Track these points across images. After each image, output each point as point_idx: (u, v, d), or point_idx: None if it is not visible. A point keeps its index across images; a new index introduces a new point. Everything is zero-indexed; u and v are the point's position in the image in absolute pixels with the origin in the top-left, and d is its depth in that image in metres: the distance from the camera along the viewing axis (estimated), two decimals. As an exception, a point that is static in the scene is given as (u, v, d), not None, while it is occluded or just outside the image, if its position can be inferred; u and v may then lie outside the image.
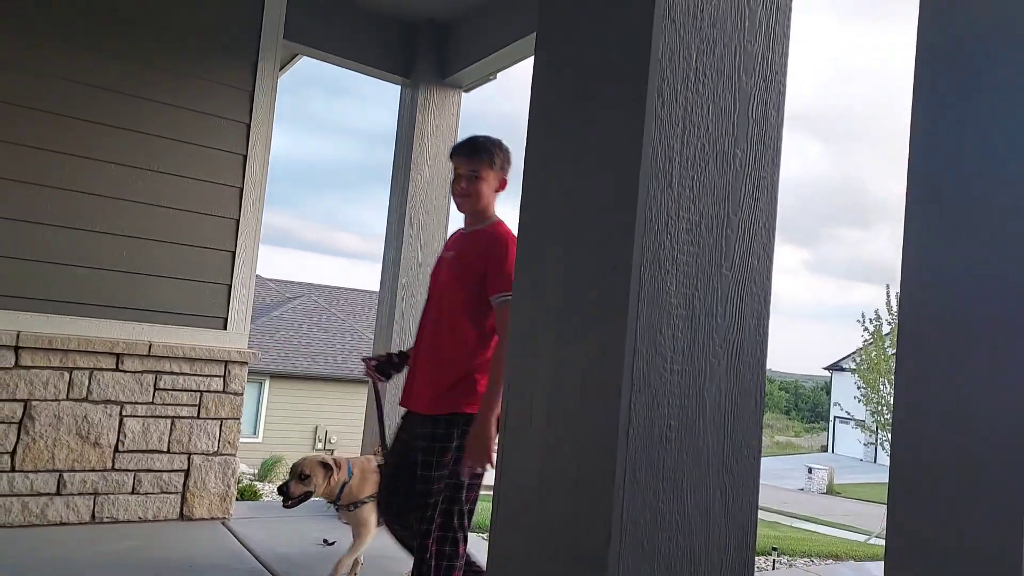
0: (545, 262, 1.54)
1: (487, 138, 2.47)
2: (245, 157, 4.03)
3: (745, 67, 1.46)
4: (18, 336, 3.44)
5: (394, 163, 4.96)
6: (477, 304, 2.34)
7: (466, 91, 5.05)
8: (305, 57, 4.90)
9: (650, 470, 1.28)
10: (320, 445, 17.01)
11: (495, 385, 2.24)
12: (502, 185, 2.48)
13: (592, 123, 1.49)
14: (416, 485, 2.31)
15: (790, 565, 9.04)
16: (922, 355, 1.25)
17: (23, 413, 3.47)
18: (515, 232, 2.38)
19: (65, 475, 3.55)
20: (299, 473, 2.89)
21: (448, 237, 2.59)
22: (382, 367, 2.73)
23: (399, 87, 4.98)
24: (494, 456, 2.22)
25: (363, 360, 2.83)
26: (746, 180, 1.45)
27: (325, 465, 2.92)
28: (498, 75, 4.90)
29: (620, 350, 1.27)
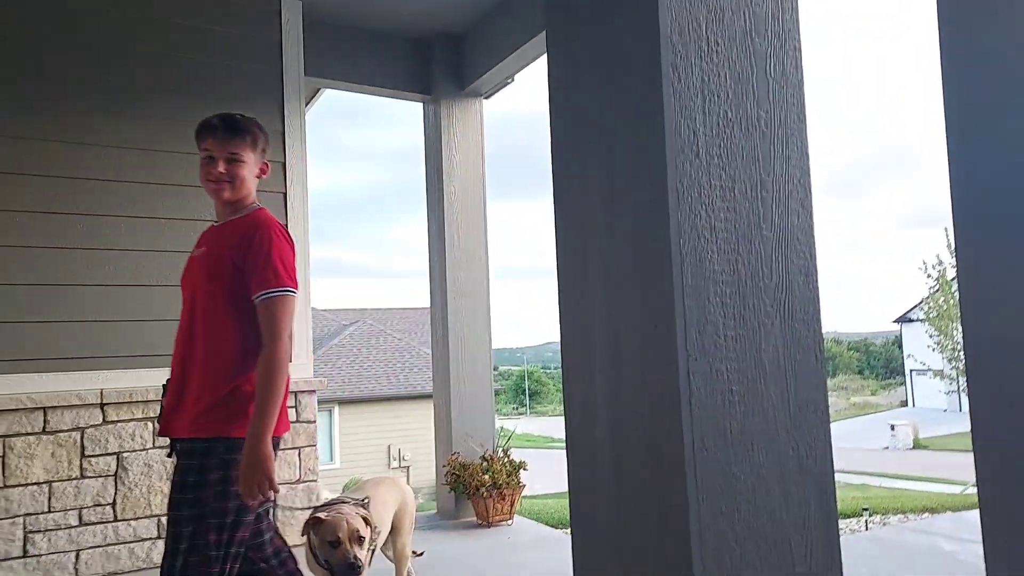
0: (588, 250, 1.57)
1: (244, 116, 2.15)
2: (285, 194, 4.17)
3: (757, 30, 1.47)
4: (102, 394, 3.64)
5: (426, 179, 5.05)
6: (238, 304, 1.96)
7: (487, 98, 5.11)
8: (328, 89, 5.04)
9: (718, 436, 1.30)
10: (395, 464, 17.33)
11: (267, 399, 1.87)
12: (263, 170, 2.15)
13: (612, 107, 1.51)
14: (168, 528, 1.92)
15: (884, 524, 8.78)
16: (985, 293, 1.23)
17: (117, 465, 3.66)
18: (279, 220, 2.06)
19: (163, 519, 3.73)
20: (356, 535, 2.47)
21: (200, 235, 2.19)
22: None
23: (421, 104, 5.08)
24: (275, 483, 1.86)
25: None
26: (774, 140, 1.46)
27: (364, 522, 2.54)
28: (516, 78, 4.95)
29: (671, 321, 1.29)
